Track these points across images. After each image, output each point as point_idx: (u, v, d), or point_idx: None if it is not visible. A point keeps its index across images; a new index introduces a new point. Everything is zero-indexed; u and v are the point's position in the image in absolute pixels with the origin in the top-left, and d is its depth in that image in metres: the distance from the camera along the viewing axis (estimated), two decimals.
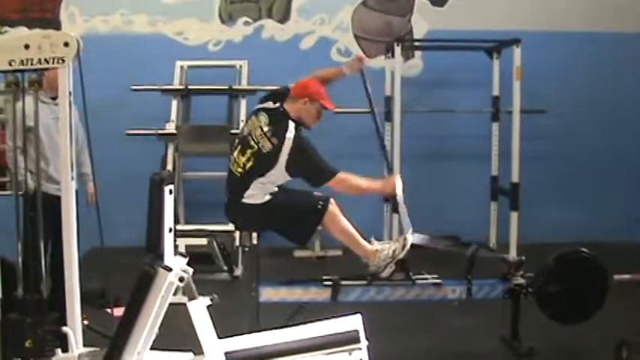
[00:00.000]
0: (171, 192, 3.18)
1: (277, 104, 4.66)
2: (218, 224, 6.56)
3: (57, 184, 4.81)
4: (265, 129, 4.51)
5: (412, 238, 4.62)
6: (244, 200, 4.50)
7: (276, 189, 4.54)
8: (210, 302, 3.32)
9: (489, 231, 7.80)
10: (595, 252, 4.62)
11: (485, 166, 7.82)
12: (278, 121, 4.54)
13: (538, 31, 7.93)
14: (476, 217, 7.85)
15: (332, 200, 4.56)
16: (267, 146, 4.46)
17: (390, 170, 5.13)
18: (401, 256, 4.57)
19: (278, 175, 4.51)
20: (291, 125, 4.50)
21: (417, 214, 7.06)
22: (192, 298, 3.26)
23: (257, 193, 4.50)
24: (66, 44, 3.36)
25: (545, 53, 7.94)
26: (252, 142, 4.51)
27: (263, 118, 4.59)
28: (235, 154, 4.59)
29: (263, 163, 4.47)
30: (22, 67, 3.40)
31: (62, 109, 3.44)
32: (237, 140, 4.74)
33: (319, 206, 4.52)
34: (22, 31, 7.66)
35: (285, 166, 4.45)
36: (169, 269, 3.14)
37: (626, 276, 4.27)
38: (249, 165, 4.49)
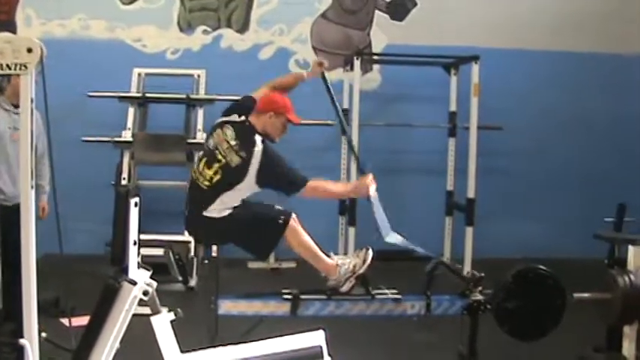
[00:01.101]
0: (136, 204, 3.13)
1: (242, 117, 4.64)
2: (173, 234, 6.52)
3: (3, 194, 4.75)
4: (232, 143, 4.50)
5: (393, 238, 4.67)
6: (206, 213, 4.47)
7: (239, 202, 4.52)
8: (174, 317, 3.27)
9: (444, 245, 7.83)
10: (552, 269, 4.65)
11: (440, 181, 7.87)
12: (244, 134, 4.54)
13: (496, 49, 8.03)
14: (431, 231, 7.87)
15: (293, 215, 4.55)
16: (235, 160, 4.46)
17: (362, 172, 5.10)
18: (361, 271, 4.58)
19: (246, 188, 4.50)
20: (258, 139, 4.50)
21: (373, 227, 7.13)
22: (155, 312, 3.21)
23: (221, 207, 4.47)
24: (29, 50, 3.27)
25: (502, 70, 8.04)
26: (219, 156, 4.50)
27: (229, 132, 4.57)
28: (200, 166, 4.57)
29: (231, 176, 4.45)
30: None
31: (24, 116, 3.36)
32: (201, 152, 4.73)
33: (280, 221, 4.50)
34: None
35: (255, 179, 4.45)
36: (134, 283, 3.09)
37: (586, 295, 4.30)
38: (216, 178, 4.47)
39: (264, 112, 4.64)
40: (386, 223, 4.83)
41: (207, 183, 4.50)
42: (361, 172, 5.20)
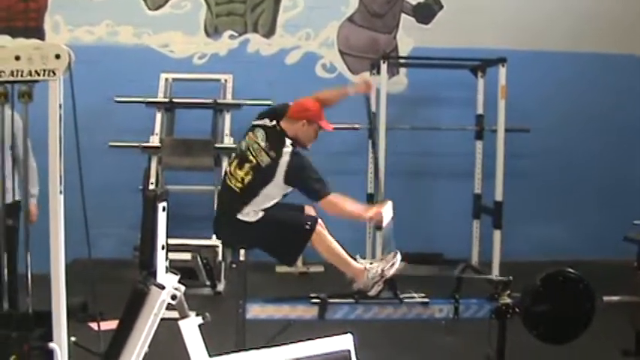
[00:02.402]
0: (164, 209, 3.15)
1: (274, 122, 4.67)
2: (201, 238, 6.55)
3: None
4: (263, 144, 4.56)
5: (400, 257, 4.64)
6: (240, 217, 4.49)
7: (270, 205, 4.53)
8: (202, 321, 3.28)
9: (472, 249, 7.80)
10: (581, 272, 4.62)
11: (468, 184, 7.83)
12: (274, 137, 4.59)
13: (522, 50, 7.99)
14: (458, 234, 7.86)
15: (320, 221, 4.55)
16: (265, 160, 4.50)
17: (380, 195, 5.10)
18: (389, 275, 4.57)
19: (276, 188, 4.54)
20: (288, 141, 4.55)
21: (400, 231, 7.10)
22: (183, 316, 3.23)
23: (254, 210, 4.50)
24: (57, 56, 3.30)
25: (528, 72, 7.99)
26: (250, 157, 4.55)
27: (260, 134, 4.62)
28: (232, 168, 4.62)
29: (262, 177, 4.49)
30: (11, 79, 3.34)
31: (52, 121, 3.39)
32: (233, 155, 4.79)
33: (307, 226, 4.51)
34: (5, 40, 7.60)
35: (283, 179, 4.49)
36: (162, 287, 3.11)
37: (615, 298, 4.27)
38: (247, 179, 4.51)
39: (296, 120, 4.67)
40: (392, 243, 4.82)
41: (239, 185, 4.54)
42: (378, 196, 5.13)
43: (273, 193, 4.55)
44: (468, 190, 7.84)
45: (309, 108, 4.72)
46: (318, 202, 4.51)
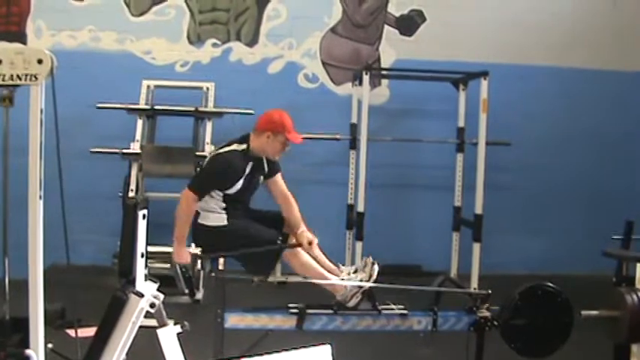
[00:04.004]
0: (144, 217, 3.13)
1: (244, 145, 4.83)
2: None
3: None
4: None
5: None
6: (199, 220, 4.55)
7: (218, 207, 4.59)
8: (180, 330, 3.27)
9: (451, 261, 7.82)
10: (560, 286, 4.64)
11: (448, 197, 7.85)
12: (235, 140, 4.82)
13: (505, 64, 8.04)
14: (438, 247, 7.87)
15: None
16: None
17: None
18: (367, 286, 4.57)
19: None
20: (237, 146, 4.74)
21: (379, 242, 7.12)
22: (162, 324, 3.21)
23: (205, 210, 4.67)
24: (40, 61, 3.29)
25: (511, 86, 8.05)
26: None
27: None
28: None
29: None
30: None
31: (33, 126, 3.37)
32: None
33: (278, 241, 4.54)
34: None
35: None
36: (141, 295, 3.10)
37: (594, 312, 4.27)
38: None
39: (262, 132, 4.70)
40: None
41: None
42: None
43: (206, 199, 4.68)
44: (448, 202, 7.86)
45: (274, 119, 4.75)
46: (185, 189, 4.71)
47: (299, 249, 4.62)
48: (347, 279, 4.62)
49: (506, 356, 4.57)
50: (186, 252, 4.73)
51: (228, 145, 4.76)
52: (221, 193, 4.71)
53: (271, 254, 4.54)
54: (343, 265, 4.98)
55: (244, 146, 4.70)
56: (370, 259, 4.70)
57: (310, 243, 4.85)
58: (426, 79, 7.71)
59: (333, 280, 4.64)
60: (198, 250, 6.31)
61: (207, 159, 4.73)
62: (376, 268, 4.63)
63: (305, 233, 4.88)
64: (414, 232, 8.25)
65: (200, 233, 4.70)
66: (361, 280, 4.60)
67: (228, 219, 4.61)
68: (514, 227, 8.31)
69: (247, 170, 4.74)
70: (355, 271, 4.75)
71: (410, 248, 8.05)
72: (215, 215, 4.58)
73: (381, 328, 4.63)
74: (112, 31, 7.89)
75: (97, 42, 7.87)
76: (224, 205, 4.68)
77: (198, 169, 4.66)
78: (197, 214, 4.64)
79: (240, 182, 4.71)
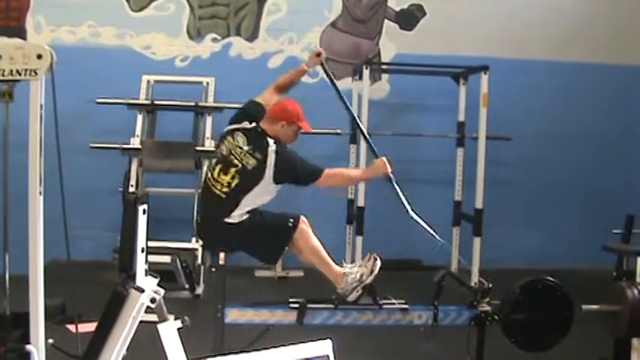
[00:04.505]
0: (144, 212, 3.13)
1: (253, 124, 4.66)
2: (180, 241, 6.53)
3: None
4: (246, 148, 4.57)
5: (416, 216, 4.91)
6: (228, 220, 4.49)
7: (255, 207, 4.54)
8: (181, 325, 3.27)
9: (451, 256, 7.81)
10: (560, 280, 4.64)
11: (448, 191, 7.85)
12: (257, 139, 4.61)
13: (505, 59, 8.03)
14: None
15: (303, 218, 4.57)
16: (251, 162, 4.52)
17: (375, 155, 5.11)
18: (369, 281, 4.58)
19: (265, 188, 4.55)
20: (271, 140, 4.58)
21: (380, 237, 7.12)
22: (162, 319, 3.21)
23: (241, 212, 4.52)
24: (39, 56, 3.28)
25: (512, 80, 8.04)
26: (235, 161, 4.55)
27: (240, 138, 4.62)
28: (215, 174, 4.59)
29: (249, 178, 4.51)
30: None
31: (33, 122, 3.36)
32: (214, 160, 4.75)
33: (289, 224, 4.53)
34: None
35: (272, 178, 4.52)
36: (142, 290, 3.10)
37: (594, 306, 4.28)
38: (234, 183, 4.52)
39: (276, 121, 4.68)
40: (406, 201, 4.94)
41: (225, 189, 4.53)
42: (375, 155, 5.15)
43: (262, 193, 4.56)
44: (449, 197, 7.86)
45: (288, 109, 4.73)
46: (315, 182, 4.60)
47: (308, 231, 4.59)
48: (348, 273, 4.62)
49: (507, 350, 4.58)
50: (380, 161, 4.84)
51: (262, 144, 4.56)
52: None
53: (282, 236, 4.53)
54: (344, 262, 4.98)
55: (272, 139, 4.65)
56: (374, 255, 4.70)
57: (319, 54, 5.12)
58: (426, 73, 7.70)
59: (331, 262, 4.63)
60: (199, 245, 6.39)
61: (278, 166, 4.55)
62: (378, 263, 4.62)
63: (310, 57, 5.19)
64: (414, 227, 8.20)
65: (222, 231, 4.60)
66: (362, 275, 4.60)
67: (249, 214, 4.58)
68: (514, 221, 8.31)
69: None
70: (359, 266, 4.74)
71: (410, 243, 8.02)
72: (244, 214, 4.54)
73: (381, 323, 4.65)
74: (112, 27, 7.88)
75: (97, 37, 7.86)
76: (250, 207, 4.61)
77: (280, 165, 4.49)
78: (224, 214, 4.53)
79: None
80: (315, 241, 4.58)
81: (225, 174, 4.55)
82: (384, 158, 4.84)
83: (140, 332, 3.37)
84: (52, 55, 3.30)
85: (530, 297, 4.57)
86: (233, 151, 4.57)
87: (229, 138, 4.65)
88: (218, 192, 4.55)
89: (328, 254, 4.66)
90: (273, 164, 4.51)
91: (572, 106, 8.40)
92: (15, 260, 3.34)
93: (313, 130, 6.27)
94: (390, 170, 4.85)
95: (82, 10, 7.81)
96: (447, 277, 4.83)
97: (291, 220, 4.54)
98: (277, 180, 4.54)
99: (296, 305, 4.56)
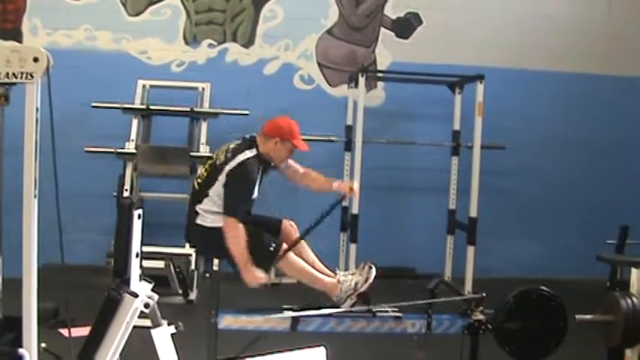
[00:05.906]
0: (139, 216, 3.12)
1: (252, 135, 4.73)
2: (174, 247, 6.51)
3: None
4: (231, 147, 4.68)
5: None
6: (198, 221, 4.53)
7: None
8: (174, 330, 3.26)
9: (445, 264, 7.81)
10: (554, 290, 4.65)
11: (443, 200, 7.85)
12: (244, 144, 4.68)
13: (501, 68, 8.05)
14: (432, 249, 7.87)
15: (287, 226, 4.62)
16: (221, 159, 4.60)
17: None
18: (363, 289, 4.58)
19: (216, 192, 4.57)
20: (250, 151, 4.59)
21: (374, 245, 7.12)
22: (156, 325, 3.20)
23: (206, 211, 4.57)
24: (35, 59, 3.27)
25: (508, 90, 8.05)
26: (213, 156, 4.71)
27: (233, 142, 4.71)
28: (200, 171, 4.81)
29: (212, 175, 4.59)
30: None
31: (29, 125, 3.35)
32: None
33: (271, 248, 4.52)
34: None
35: (223, 183, 4.54)
36: (136, 295, 3.09)
37: (588, 316, 4.28)
38: (204, 175, 4.64)
39: (270, 137, 4.68)
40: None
41: (199, 180, 4.66)
42: None
43: (215, 196, 4.57)
44: (443, 205, 7.85)
45: (282, 126, 4.73)
46: (225, 216, 4.50)
47: (289, 255, 4.59)
48: (343, 281, 4.61)
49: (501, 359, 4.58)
50: (257, 273, 4.57)
51: (239, 150, 4.62)
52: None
53: (265, 260, 4.53)
54: (338, 269, 4.96)
55: (255, 151, 4.64)
56: (369, 263, 4.69)
57: (351, 188, 4.96)
58: (422, 81, 7.70)
59: (320, 276, 4.62)
60: (192, 251, 6.38)
61: (228, 175, 4.53)
62: (373, 272, 4.62)
63: (344, 183, 5.12)
64: (408, 235, 8.24)
65: (197, 233, 4.67)
66: (357, 283, 4.60)
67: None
68: (509, 231, 8.31)
69: (259, 176, 4.71)
70: (353, 274, 4.74)
71: (404, 251, 8.05)
72: (214, 217, 4.54)
73: (375, 331, 4.64)
74: (108, 31, 7.86)
75: (93, 41, 7.85)
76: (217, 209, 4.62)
77: (225, 188, 4.48)
78: (196, 214, 4.60)
79: (256, 189, 4.70)
80: (298, 263, 4.59)
81: (204, 166, 4.74)
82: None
83: (133, 337, 3.37)
84: (48, 58, 3.29)
85: (524, 306, 4.57)
86: (218, 150, 4.73)
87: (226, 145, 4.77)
88: (196, 184, 4.68)
89: (321, 261, 4.66)
90: (229, 170, 4.54)
91: (568, 115, 8.42)
92: (8, 263, 3.33)
93: (307, 137, 6.29)
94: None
95: (79, 14, 7.80)
96: (440, 285, 4.83)
97: (272, 244, 4.54)
98: (224, 187, 4.54)
99: (290, 312, 4.56)
